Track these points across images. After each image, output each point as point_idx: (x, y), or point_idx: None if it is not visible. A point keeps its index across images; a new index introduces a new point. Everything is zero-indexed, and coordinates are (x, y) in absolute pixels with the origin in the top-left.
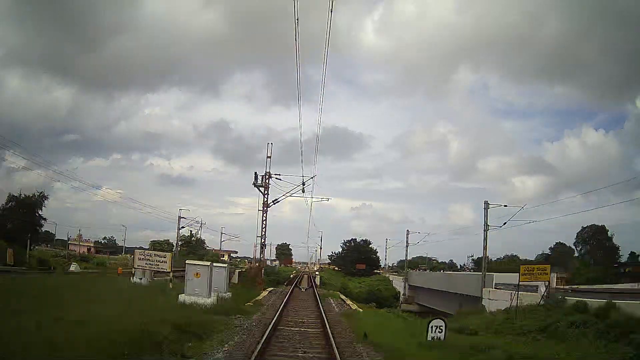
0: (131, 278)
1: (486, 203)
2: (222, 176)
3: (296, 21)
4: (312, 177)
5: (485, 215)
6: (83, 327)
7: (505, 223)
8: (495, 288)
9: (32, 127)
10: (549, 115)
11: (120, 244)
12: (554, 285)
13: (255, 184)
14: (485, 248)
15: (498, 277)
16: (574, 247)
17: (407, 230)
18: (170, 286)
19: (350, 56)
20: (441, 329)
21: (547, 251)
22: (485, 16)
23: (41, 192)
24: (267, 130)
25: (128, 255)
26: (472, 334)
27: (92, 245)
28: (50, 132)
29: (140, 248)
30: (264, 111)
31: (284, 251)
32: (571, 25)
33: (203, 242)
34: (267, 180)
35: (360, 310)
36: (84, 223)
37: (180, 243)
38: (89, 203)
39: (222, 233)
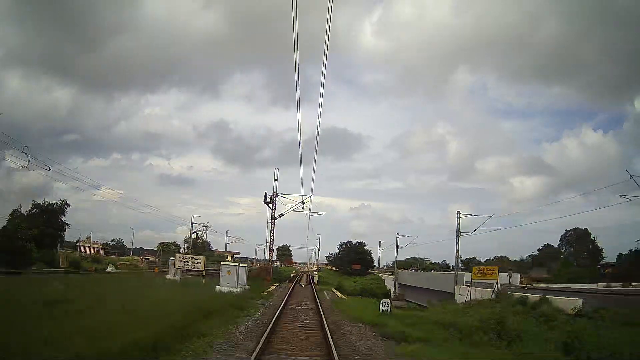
0: (166, 276)
1: (458, 213)
2: (221, 176)
3: (295, 26)
4: (309, 196)
5: (458, 224)
6: (167, 304)
7: (475, 230)
8: (465, 285)
9: (32, 127)
10: (548, 116)
11: (126, 245)
12: (518, 283)
13: (265, 201)
14: (457, 251)
15: (468, 276)
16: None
17: (397, 234)
18: (203, 281)
19: (349, 57)
20: (387, 305)
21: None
22: (483, 17)
23: (63, 200)
24: (266, 130)
25: (136, 257)
26: (416, 313)
27: (101, 247)
28: (50, 132)
29: (142, 249)
30: (264, 111)
31: (284, 252)
32: (570, 25)
33: (208, 243)
34: (274, 199)
35: (344, 298)
36: (83, 223)
37: (186, 245)
38: (88, 203)
39: (227, 236)
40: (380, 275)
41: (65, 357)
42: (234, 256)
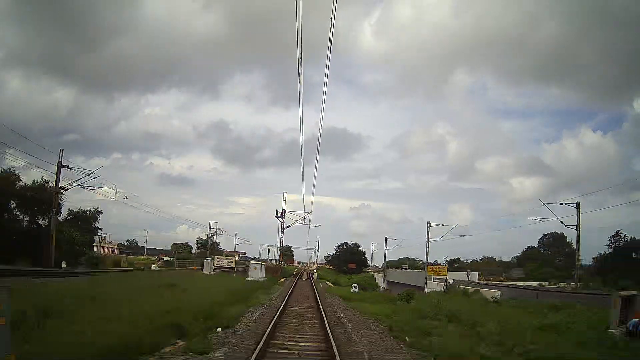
0: (204, 271)
1: (428, 223)
2: (221, 176)
3: (299, 30)
4: (309, 213)
5: (428, 233)
6: (219, 288)
7: (442, 237)
8: (433, 281)
9: (33, 127)
10: (548, 116)
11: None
12: (476, 279)
13: (276, 216)
14: (427, 253)
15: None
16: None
17: (386, 237)
18: (235, 275)
19: (349, 57)
20: (356, 288)
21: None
22: (481, 18)
23: (96, 208)
24: (266, 130)
25: (150, 257)
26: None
27: (116, 247)
28: (50, 132)
29: (154, 249)
30: (264, 112)
31: (286, 252)
32: (568, 26)
33: (218, 244)
34: (283, 215)
35: (333, 286)
36: None
37: (198, 245)
38: (89, 202)
39: (235, 237)
40: (372, 273)
41: (197, 305)
42: (240, 256)
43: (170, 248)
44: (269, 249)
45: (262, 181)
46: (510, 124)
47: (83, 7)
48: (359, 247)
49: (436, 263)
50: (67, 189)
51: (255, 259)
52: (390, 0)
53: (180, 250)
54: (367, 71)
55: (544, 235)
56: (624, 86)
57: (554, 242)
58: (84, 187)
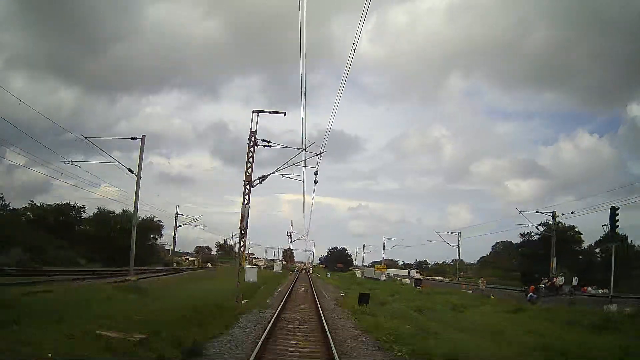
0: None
1: (385, 238)
2: (220, 175)
3: (302, 38)
4: (307, 235)
5: (384, 247)
6: (267, 274)
7: (394, 246)
8: (382, 275)
9: (35, 126)
10: (543, 119)
11: None
12: (414, 275)
13: (287, 234)
14: (383, 257)
15: (389, 270)
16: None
17: (364, 244)
18: (262, 268)
19: (345, 62)
20: (329, 274)
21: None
22: (473, 26)
23: (159, 221)
24: (265, 132)
25: (176, 257)
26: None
27: None
28: (52, 131)
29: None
30: (262, 114)
31: (288, 253)
32: (560, 33)
33: (232, 247)
34: (291, 234)
35: (319, 276)
36: None
37: (217, 247)
38: (87, 201)
39: (249, 242)
40: (355, 271)
41: (262, 279)
42: (249, 256)
43: (193, 250)
44: (274, 251)
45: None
46: (506, 126)
47: (87, 13)
48: (346, 250)
49: (407, 264)
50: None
51: (265, 259)
52: (385, 8)
53: (201, 251)
54: (364, 75)
55: (496, 243)
56: (618, 90)
57: (503, 249)
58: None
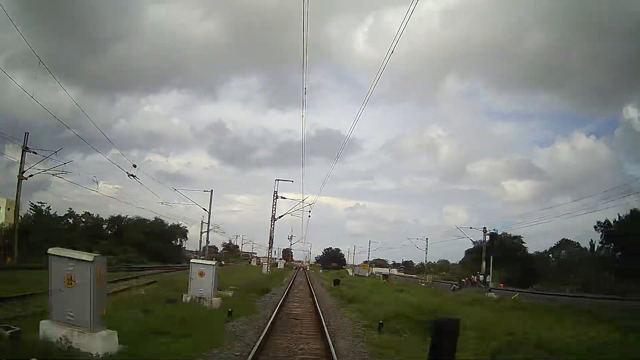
0: (254, 264)
1: (370, 242)
2: (219, 174)
3: (304, 40)
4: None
5: (369, 249)
6: (276, 270)
7: (377, 248)
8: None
9: (36, 124)
10: (540, 121)
11: None
12: (395, 273)
13: (288, 238)
14: (368, 257)
15: (378, 269)
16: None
17: (354, 246)
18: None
19: (343, 63)
20: (322, 270)
21: None
22: (468, 30)
23: (185, 227)
24: (263, 131)
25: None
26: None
27: None
28: (52, 129)
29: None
30: (261, 114)
31: (288, 253)
32: (555, 36)
33: (237, 247)
34: (291, 237)
35: (313, 272)
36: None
37: (223, 247)
38: (86, 198)
39: (253, 243)
40: (347, 269)
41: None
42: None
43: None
44: (275, 251)
45: (259, 180)
46: (503, 127)
47: (88, 13)
48: (340, 250)
49: (396, 263)
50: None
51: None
52: (381, 11)
53: (210, 251)
54: (361, 77)
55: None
56: (615, 92)
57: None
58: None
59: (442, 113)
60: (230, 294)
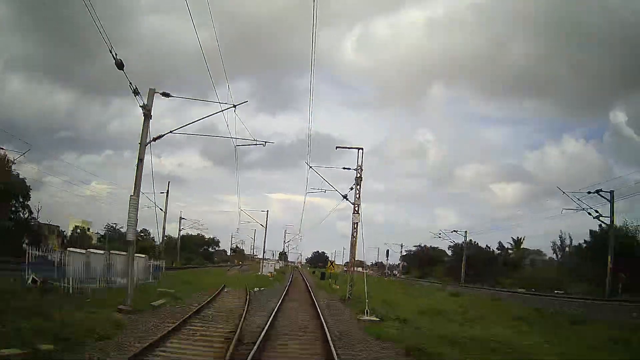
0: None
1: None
2: (210, 175)
3: (313, 40)
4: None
5: (343, 253)
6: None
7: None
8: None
9: (31, 126)
10: (528, 127)
11: None
12: (369, 271)
13: (284, 240)
14: (349, 259)
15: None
16: None
17: (336, 250)
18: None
19: (333, 70)
20: (314, 271)
21: None
22: (453, 39)
23: (217, 238)
24: (253, 134)
25: None
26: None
27: None
28: (47, 130)
29: None
30: (251, 117)
31: (283, 255)
32: (540, 45)
33: (243, 250)
34: (285, 242)
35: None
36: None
37: (231, 249)
38: (79, 198)
39: (253, 248)
40: None
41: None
42: (252, 257)
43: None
44: (272, 252)
45: (250, 180)
46: (491, 133)
47: (83, 20)
48: (325, 253)
49: (372, 264)
50: None
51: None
52: (369, 21)
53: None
54: (350, 83)
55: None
56: (599, 100)
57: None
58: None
59: (430, 118)
60: (271, 275)
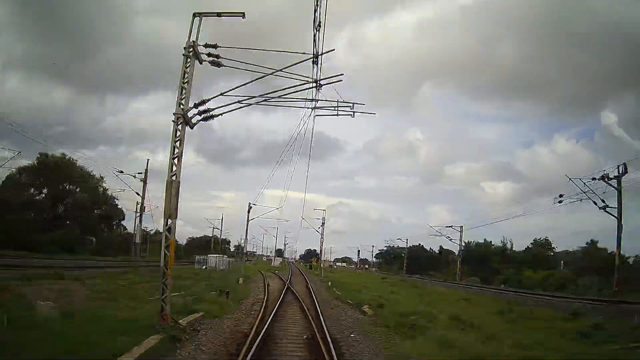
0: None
1: (332, 249)
2: (205, 171)
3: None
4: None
5: (331, 251)
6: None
7: (337, 252)
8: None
9: (27, 123)
10: (520, 126)
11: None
12: (355, 267)
13: (284, 243)
14: (337, 257)
15: (339, 264)
16: None
17: (323, 248)
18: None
19: (323, 71)
20: (307, 265)
21: None
22: (441, 42)
23: (229, 239)
24: (247, 131)
25: None
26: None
27: None
28: (42, 126)
29: None
30: (245, 115)
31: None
32: (530, 47)
33: (243, 247)
34: (284, 244)
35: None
36: None
37: (235, 247)
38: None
39: (254, 246)
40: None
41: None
42: (253, 253)
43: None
44: (270, 250)
45: (244, 177)
46: (481, 131)
47: (80, 20)
48: (316, 250)
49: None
50: None
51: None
52: (358, 24)
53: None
54: (341, 83)
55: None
56: (590, 100)
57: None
58: None
59: (421, 117)
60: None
